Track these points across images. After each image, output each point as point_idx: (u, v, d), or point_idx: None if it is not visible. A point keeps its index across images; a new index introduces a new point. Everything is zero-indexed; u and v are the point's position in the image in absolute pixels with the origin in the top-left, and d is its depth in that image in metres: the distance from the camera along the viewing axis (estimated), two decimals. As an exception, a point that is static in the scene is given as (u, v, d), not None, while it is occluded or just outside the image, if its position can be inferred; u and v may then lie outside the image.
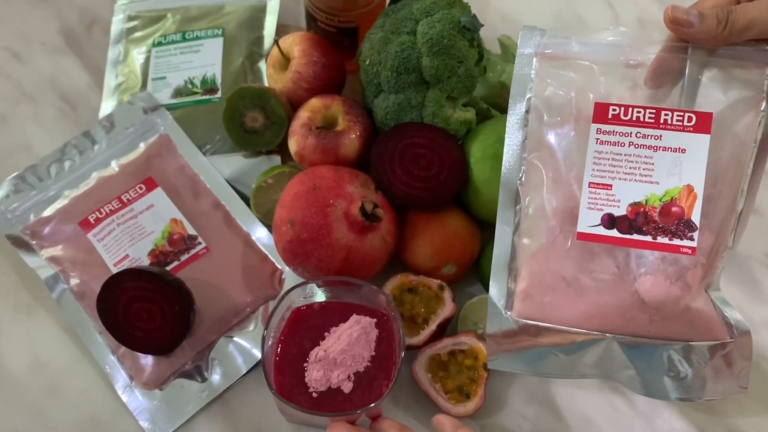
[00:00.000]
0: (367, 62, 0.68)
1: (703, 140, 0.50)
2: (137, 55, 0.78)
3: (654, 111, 0.51)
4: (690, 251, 0.50)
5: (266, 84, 0.75)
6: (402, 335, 0.57)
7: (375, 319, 0.59)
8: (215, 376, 0.64)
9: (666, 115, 0.51)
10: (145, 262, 0.67)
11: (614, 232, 0.51)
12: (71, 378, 0.65)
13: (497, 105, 0.69)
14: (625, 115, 0.51)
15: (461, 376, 0.62)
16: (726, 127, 0.50)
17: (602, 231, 0.51)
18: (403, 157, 0.65)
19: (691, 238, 0.50)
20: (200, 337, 0.65)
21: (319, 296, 0.61)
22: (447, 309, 0.63)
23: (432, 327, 0.63)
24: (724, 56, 0.51)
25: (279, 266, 0.68)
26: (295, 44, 0.71)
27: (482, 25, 0.66)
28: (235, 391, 0.64)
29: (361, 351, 0.58)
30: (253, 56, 0.77)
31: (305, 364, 0.58)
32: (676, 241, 0.50)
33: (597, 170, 0.52)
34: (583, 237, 0.52)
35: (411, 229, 0.65)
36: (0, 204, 0.69)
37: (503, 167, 0.55)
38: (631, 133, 0.51)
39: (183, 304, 0.63)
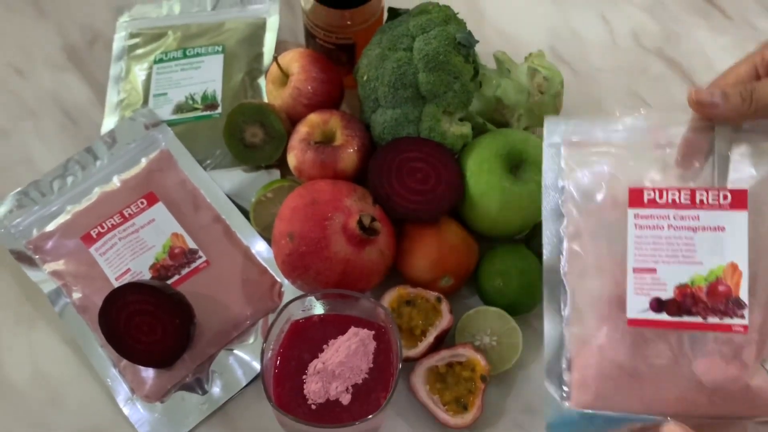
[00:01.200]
0: (365, 78, 0.69)
1: (741, 217, 0.50)
2: (139, 72, 0.79)
3: (689, 192, 0.51)
4: (742, 329, 0.50)
5: (266, 100, 0.76)
6: (400, 347, 0.58)
7: (373, 332, 0.60)
8: (215, 389, 0.65)
9: (701, 194, 0.51)
10: (146, 275, 0.68)
11: (664, 316, 0.51)
12: (73, 390, 0.65)
13: (493, 119, 0.70)
14: (661, 198, 0.52)
15: (459, 387, 0.63)
16: (763, 201, 0.51)
17: (652, 315, 0.51)
18: (400, 171, 0.66)
19: (742, 316, 0.50)
20: (201, 349, 0.66)
21: (318, 309, 0.61)
22: (444, 321, 0.64)
23: (430, 339, 0.64)
24: (750, 131, 0.51)
25: (278, 279, 0.69)
26: (294, 61, 0.73)
27: (477, 41, 0.67)
28: (235, 403, 0.65)
29: (360, 363, 0.58)
30: (253, 72, 0.78)
31: (304, 377, 0.58)
32: (727, 320, 0.50)
33: (639, 255, 0.52)
34: (634, 323, 0.52)
35: (408, 241, 0.66)
36: (3, 219, 0.70)
37: (544, 257, 0.55)
38: (668, 215, 0.51)
39: (184, 317, 0.64)
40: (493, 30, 0.84)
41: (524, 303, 0.66)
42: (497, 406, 0.65)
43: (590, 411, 0.55)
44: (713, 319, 0.50)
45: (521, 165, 0.66)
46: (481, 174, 0.65)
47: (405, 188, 0.65)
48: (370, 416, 0.56)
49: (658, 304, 0.51)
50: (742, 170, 0.51)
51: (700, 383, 0.51)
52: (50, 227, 0.70)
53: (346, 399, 0.58)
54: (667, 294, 0.51)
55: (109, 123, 0.77)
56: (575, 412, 0.55)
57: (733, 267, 0.50)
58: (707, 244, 0.50)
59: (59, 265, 0.68)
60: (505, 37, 0.84)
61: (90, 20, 0.85)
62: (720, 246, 0.50)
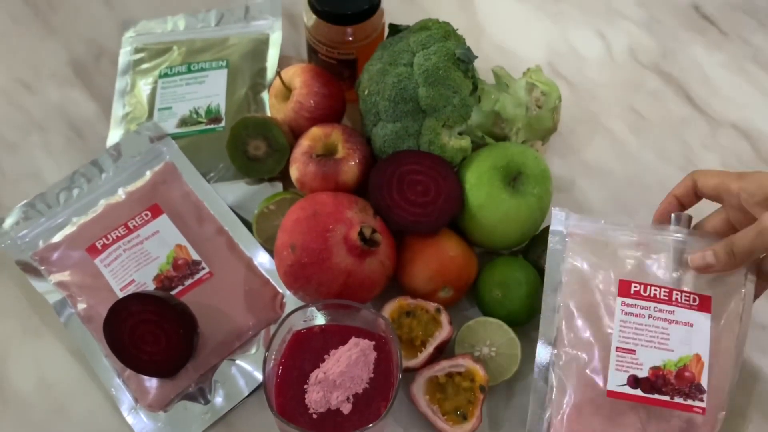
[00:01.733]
0: (366, 92, 0.70)
1: (706, 318, 0.60)
2: (144, 86, 0.81)
3: (667, 290, 0.61)
4: (701, 411, 0.58)
5: (269, 114, 0.77)
6: (399, 357, 0.59)
7: (373, 342, 0.60)
8: (218, 399, 0.65)
9: (677, 294, 0.60)
10: (150, 286, 0.69)
11: (638, 392, 0.59)
12: (78, 400, 0.66)
13: (492, 133, 0.72)
14: (644, 292, 0.61)
15: (458, 397, 0.63)
16: (722, 306, 0.60)
17: (628, 390, 0.59)
18: (400, 184, 0.67)
19: (701, 400, 0.58)
20: (204, 360, 0.66)
21: (319, 319, 0.62)
22: (444, 332, 0.65)
23: (429, 349, 0.64)
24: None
25: (280, 290, 0.70)
26: (296, 75, 0.74)
27: (476, 57, 0.69)
28: (237, 412, 0.66)
29: (360, 373, 0.59)
30: (256, 87, 0.79)
31: (305, 386, 0.59)
32: (689, 402, 0.58)
33: (623, 337, 0.60)
34: (613, 395, 0.59)
35: (409, 253, 0.67)
36: (10, 230, 0.71)
37: (540, 329, 0.62)
38: (650, 307, 0.60)
39: (187, 327, 0.64)
40: (492, 46, 0.86)
41: (523, 314, 0.67)
42: (496, 416, 0.65)
43: None
44: (678, 399, 0.58)
45: (519, 178, 0.67)
46: (480, 186, 0.66)
47: (405, 200, 0.66)
48: (371, 425, 0.56)
49: (634, 381, 0.59)
50: (709, 281, 0.61)
51: None
52: (56, 239, 0.71)
53: (346, 408, 0.58)
54: (643, 373, 0.59)
55: (114, 136, 0.78)
56: None
57: (698, 357, 0.59)
58: (679, 335, 0.59)
59: (65, 276, 0.69)
60: (504, 53, 0.85)
61: (96, 36, 0.86)
62: (689, 338, 0.59)
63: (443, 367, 0.64)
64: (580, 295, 0.62)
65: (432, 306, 0.65)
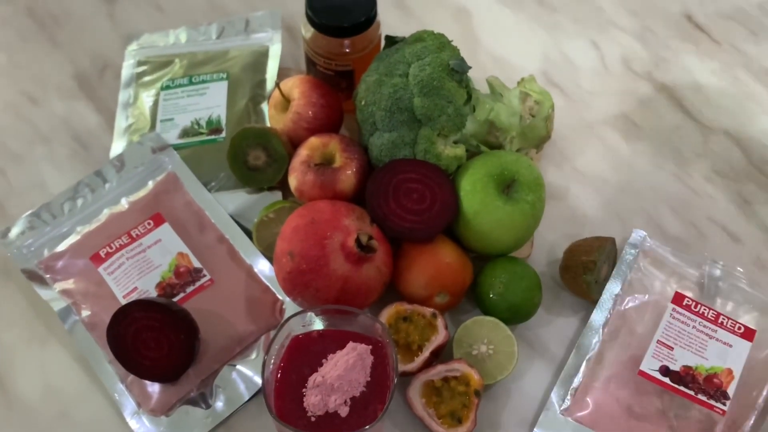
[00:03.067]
0: (363, 103, 0.71)
1: (746, 345, 0.67)
2: (146, 98, 0.82)
3: (715, 313, 0.68)
4: (721, 412, 0.64)
5: (268, 124, 0.78)
6: (396, 361, 0.60)
7: (370, 346, 0.61)
8: (219, 403, 0.67)
9: (723, 319, 0.68)
10: (152, 293, 0.70)
11: (667, 380, 0.65)
12: (82, 405, 0.67)
13: (486, 141, 0.73)
14: (695, 308, 0.69)
15: (454, 401, 0.65)
16: (764, 342, 0.67)
17: (659, 376, 0.66)
18: (396, 192, 0.68)
19: (724, 404, 0.64)
20: (205, 365, 0.68)
21: (317, 324, 0.63)
22: (440, 336, 0.66)
23: (425, 354, 0.66)
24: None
25: (280, 297, 0.71)
26: (295, 87, 0.75)
27: (470, 67, 0.70)
28: (237, 417, 0.67)
29: (357, 377, 0.60)
30: (256, 98, 0.81)
31: (304, 390, 0.60)
32: (712, 402, 0.64)
33: (665, 334, 0.67)
34: (643, 374, 0.66)
35: (405, 259, 0.68)
36: (16, 240, 0.73)
37: (597, 309, 0.70)
38: (696, 321, 0.68)
39: (188, 333, 0.66)
40: (486, 56, 0.87)
41: (523, 307, 0.68)
42: (492, 419, 0.66)
43: (580, 425, 0.64)
44: (702, 397, 0.65)
45: (513, 185, 0.68)
46: (475, 194, 0.68)
47: (401, 208, 0.68)
48: (367, 427, 0.58)
49: (666, 371, 0.66)
50: (758, 319, 0.68)
51: None
52: (61, 247, 0.72)
53: (344, 411, 0.60)
54: (675, 367, 0.66)
55: (117, 147, 0.80)
56: (568, 422, 0.64)
57: (729, 371, 0.66)
58: (716, 350, 0.67)
59: (69, 284, 0.71)
60: (498, 63, 0.86)
61: (100, 49, 0.88)
62: (725, 355, 0.66)
63: (439, 371, 0.65)
64: (639, 287, 0.70)
65: (428, 311, 0.67)
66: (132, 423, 0.66)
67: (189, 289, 0.70)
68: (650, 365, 0.66)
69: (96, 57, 0.87)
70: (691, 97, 0.84)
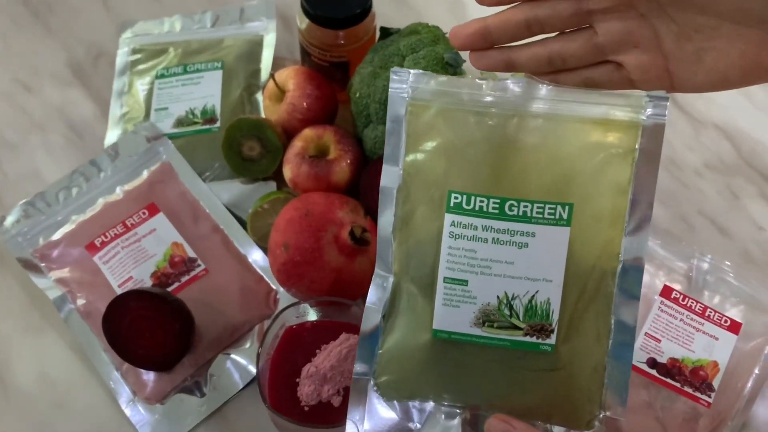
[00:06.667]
0: (357, 95, 0.72)
1: (732, 338, 0.68)
2: (141, 87, 0.82)
3: (703, 306, 0.69)
4: (707, 404, 0.65)
5: (263, 115, 0.79)
6: (388, 352, 0.61)
7: (363, 337, 0.62)
8: (213, 392, 0.68)
9: (710, 312, 0.69)
10: (147, 283, 0.71)
11: (654, 372, 0.66)
12: (78, 393, 0.68)
13: (480, 134, 0.73)
14: (683, 301, 0.69)
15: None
16: (750, 335, 0.68)
17: (646, 368, 0.67)
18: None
19: (709, 396, 0.65)
20: (199, 354, 0.68)
21: (311, 315, 0.64)
22: (432, 327, 0.67)
23: (418, 344, 0.66)
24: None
25: (274, 287, 0.72)
26: (290, 77, 0.76)
27: (464, 61, 0.70)
28: (231, 405, 0.68)
29: (350, 367, 0.61)
30: (251, 88, 0.81)
31: (297, 380, 0.61)
32: (698, 394, 0.65)
33: (653, 327, 0.68)
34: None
35: (398, 251, 0.69)
36: (11, 228, 0.73)
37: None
38: (683, 313, 0.69)
39: (183, 323, 0.66)
40: (481, 47, 0.87)
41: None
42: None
43: None
44: (687, 389, 0.66)
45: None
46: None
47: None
48: (360, 417, 0.59)
49: (653, 363, 0.67)
50: (740, 310, 0.69)
51: (660, 428, 0.64)
52: (56, 236, 0.73)
53: (337, 401, 0.61)
54: (662, 359, 0.67)
55: (112, 136, 0.80)
56: None
57: (715, 364, 0.67)
58: (702, 343, 0.67)
59: (64, 272, 0.71)
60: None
61: (94, 37, 0.88)
62: (711, 348, 0.67)
63: (431, 361, 0.66)
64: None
65: (420, 302, 0.67)
66: (127, 411, 0.67)
67: (184, 279, 0.71)
68: (638, 357, 0.67)
69: (90, 45, 0.87)
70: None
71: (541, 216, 0.49)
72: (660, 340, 0.68)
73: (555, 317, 0.49)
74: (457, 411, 0.50)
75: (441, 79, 0.51)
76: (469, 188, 0.50)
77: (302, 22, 0.76)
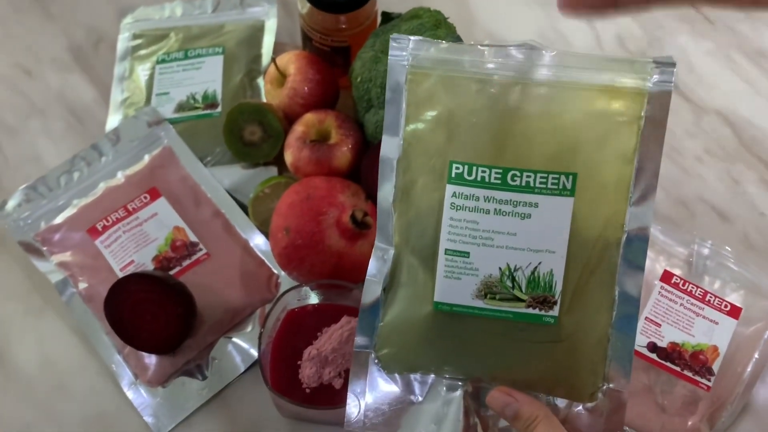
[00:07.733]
0: (359, 79, 0.72)
1: (732, 322, 0.67)
2: (142, 72, 0.82)
3: (703, 291, 0.69)
4: (706, 388, 0.65)
5: (264, 99, 0.79)
6: (389, 335, 0.61)
7: (364, 320, 0.63)
8: (215, 375, 0.68)
9: (710, 297, 0.69)
10: (149, 267, 0.71)
11: (654, 356, 0.66)
12: (80, 376, 0.69)
13: (481, 119, 0.73)
14: (683, 286, 0.69)
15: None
16: (750, 320, 0.68)
17: (646, 352, 0.67)
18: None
19: (709, 380, 0.66)
20: (201, 337, 0.69)
21: (312, 299, 0.65)
22: (433, 311, 0.67)
23: (419, 328, 0.67)
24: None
25: (275, 271, 0.72)
26: (291, 62, 0.76)
27: (466, 46, 0.70)
28: (233, 388, 0.68)
29: (351, 349, 0.61)
30: (252, 73, 0.81)
31: (299, 362, 0.62)
32: (698, 378, 0.66)
33: (653, 311, 0.68)
34: None
35: (399, 236, 0.69)
36: (13, 212, 0.73)
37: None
38: (683, 298, 0.69)
39: (185, 306, 0.67)
40: (483, 33, 0.87)
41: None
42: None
43: None
44: (687, 373, 0.66)
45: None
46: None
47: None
48: (361, 399, 0.59)
49: (653, 347, 0.67)
50: (744, 298, 0.69)
51: (658, 411, 0.65)
52: (57, 220, 0.73)
53: (338, 383, 0.61)
54: (662, 343, 0.67)
55: (113, 121, 0.80)
56: None
57: (715, 348, 0.67)
58: (702, 327, 0.67)
59: (66, 256, 0.72)
60: (494, 40, 0.87)
61: (95, 22, 0.88)
62: (711, 332, 0.67)
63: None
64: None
65: (421, 286, 0.67)
66: (129, 394, 0.67)
67: (185, 263, 0.71)
68: (638, 342, 0.67)
69: (91, 29, 0.87)
70: (685, 77, 0.85)
71: (544, 186, 0.48)
72: (660, 325, 0.68)
73: (558, 289, 0.49)
74: (459, 383, 0.50)
75: (442, 46, 0.50)
76: (470, 158, 0.49)
77: (303, 6, 0.76)
